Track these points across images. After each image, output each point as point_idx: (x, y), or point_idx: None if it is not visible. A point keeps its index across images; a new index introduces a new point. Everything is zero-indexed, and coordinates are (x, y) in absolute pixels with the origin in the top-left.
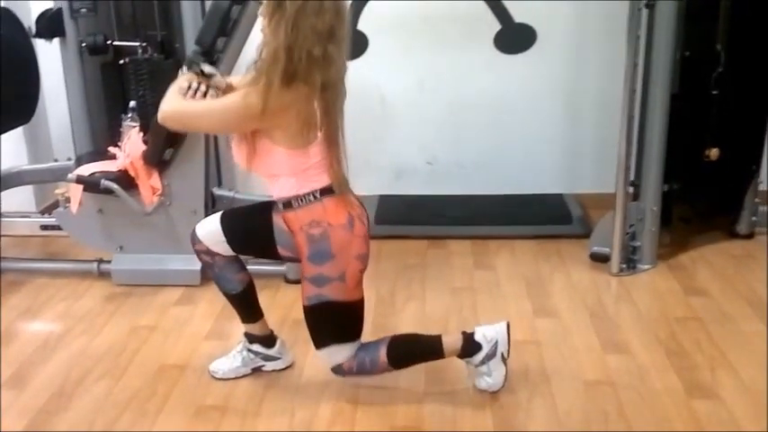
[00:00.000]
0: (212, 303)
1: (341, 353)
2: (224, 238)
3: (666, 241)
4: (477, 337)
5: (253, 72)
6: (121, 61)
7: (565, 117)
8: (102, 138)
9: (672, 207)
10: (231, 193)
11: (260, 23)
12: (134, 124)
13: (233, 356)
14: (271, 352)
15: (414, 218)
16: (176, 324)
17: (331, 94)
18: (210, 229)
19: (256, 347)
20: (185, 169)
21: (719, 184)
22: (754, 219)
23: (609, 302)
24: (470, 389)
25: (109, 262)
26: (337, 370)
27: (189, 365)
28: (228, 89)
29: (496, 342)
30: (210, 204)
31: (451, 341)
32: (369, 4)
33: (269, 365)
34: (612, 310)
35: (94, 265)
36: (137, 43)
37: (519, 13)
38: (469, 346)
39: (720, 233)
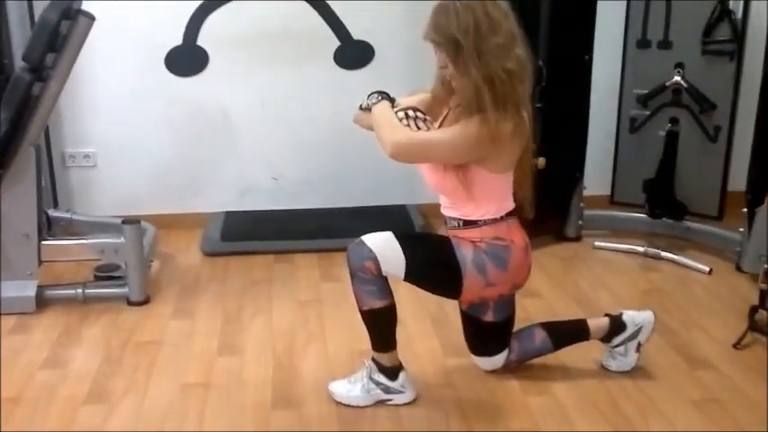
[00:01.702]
0: (48, 330)
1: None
2: (401, 260)
3: None
4: (625, 318)
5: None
6: None
7: None
8: None
9: None
10: (68, 215)
11: (447, 74)
12: None
13: (353, 381)
14: (394, 384)
15: (260, 233)
16: (9, 354)
17: (528, 110)
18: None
19: (379, 377)
20: (15, 191)
21: (547, 190)
22: (580, 222)
23: (449, 308)
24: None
25: None
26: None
27: (23, 397)
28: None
29: (641, 328)
30: (46, 227)
31: (599, 324)
32: (208, 19)
33: (395, 399)
34: (453, 316)
35: None
36: None
37: (356, 32)
38: (617, 327)
39: (550, 237)
